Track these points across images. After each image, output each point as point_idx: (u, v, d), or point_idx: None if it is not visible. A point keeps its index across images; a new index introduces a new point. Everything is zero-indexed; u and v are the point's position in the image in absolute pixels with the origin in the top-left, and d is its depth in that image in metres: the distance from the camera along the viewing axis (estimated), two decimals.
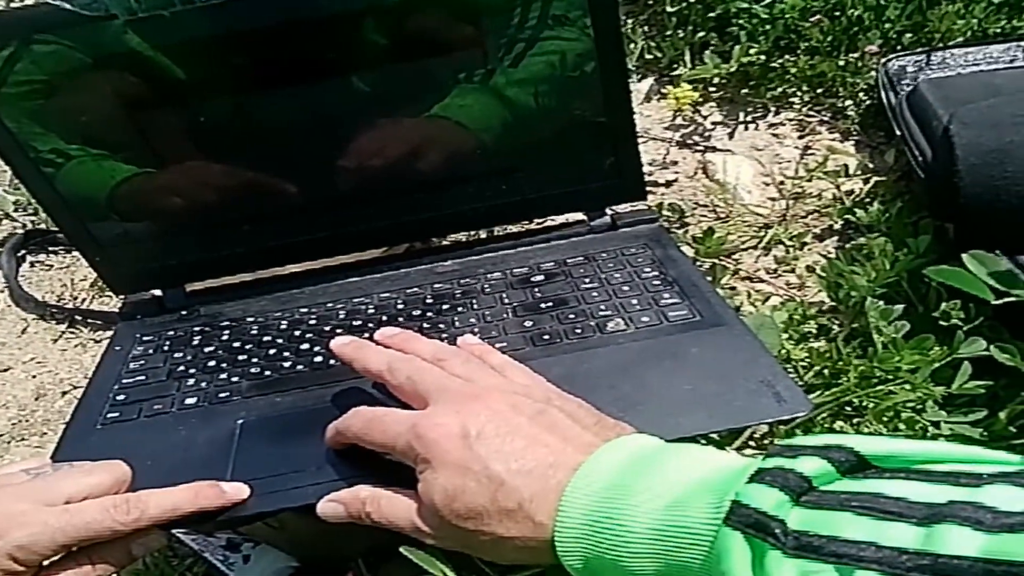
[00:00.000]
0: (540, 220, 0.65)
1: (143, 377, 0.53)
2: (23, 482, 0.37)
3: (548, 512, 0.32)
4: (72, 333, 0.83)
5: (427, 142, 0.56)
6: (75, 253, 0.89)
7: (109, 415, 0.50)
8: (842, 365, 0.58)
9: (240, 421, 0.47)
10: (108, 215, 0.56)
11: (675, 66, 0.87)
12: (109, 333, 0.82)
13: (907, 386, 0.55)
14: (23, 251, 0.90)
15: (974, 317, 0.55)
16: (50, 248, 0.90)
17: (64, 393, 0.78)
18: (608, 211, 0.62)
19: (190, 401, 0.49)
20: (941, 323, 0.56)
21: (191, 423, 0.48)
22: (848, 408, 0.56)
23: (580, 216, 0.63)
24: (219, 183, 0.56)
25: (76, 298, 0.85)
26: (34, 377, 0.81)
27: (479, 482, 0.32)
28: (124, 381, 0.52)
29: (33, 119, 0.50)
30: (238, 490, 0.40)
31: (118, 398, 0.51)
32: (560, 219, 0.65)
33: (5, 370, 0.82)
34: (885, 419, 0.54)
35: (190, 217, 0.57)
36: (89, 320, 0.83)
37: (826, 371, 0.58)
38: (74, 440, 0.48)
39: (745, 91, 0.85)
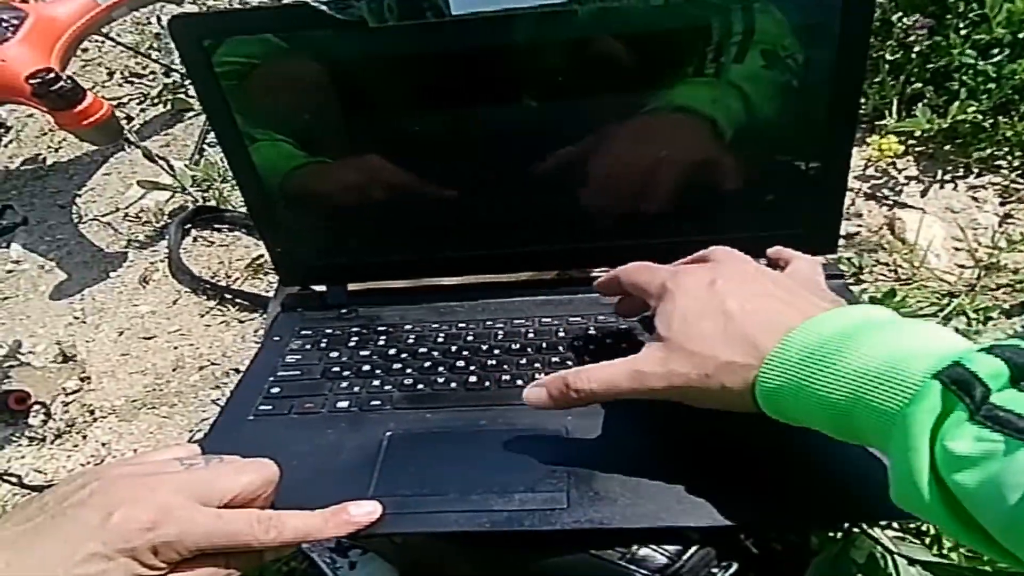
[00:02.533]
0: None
1: (298, 372, 0.52)
2: (178, 472, 0.37)
3: (770, 342, 0.34)
4: (219, 310, 0.84)
5: (624, 173, 0.54)
6: (236, 234, 0.91)
7: (262, 407, 0.49)
8: None
9: (388, 433, 0.46)
10: (293, 205, 0.57)
11: (879, 114, 0.80)
12: (254, 315, 0.82)
13: None
14: (189, 225, 0.93)
15: None
16: (215, 226, 0.93)
17: (201, 368, 0.79)
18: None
19: (342, 404, 0.48)
20: None
21: (340, 427, 0.47)
22: None
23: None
24: (402, 188, 0.55)
25: (229, 277, 0.87)
26: (175, 348, 0.82)
27: (714, 314, 0.36)
28: (280, 374, 0.52)
29: (250, 103, 0.52)
30: (369, 515, 0.39)
31: (272, 390, 0.50)
32: None
33: (150, 338, 0.84)
34: None
35: (366, 218, 0.57)
36: (238, 300, 0.84)
37: None
38: (226, 429, 0.48)
39: (948, 148, 0.78)
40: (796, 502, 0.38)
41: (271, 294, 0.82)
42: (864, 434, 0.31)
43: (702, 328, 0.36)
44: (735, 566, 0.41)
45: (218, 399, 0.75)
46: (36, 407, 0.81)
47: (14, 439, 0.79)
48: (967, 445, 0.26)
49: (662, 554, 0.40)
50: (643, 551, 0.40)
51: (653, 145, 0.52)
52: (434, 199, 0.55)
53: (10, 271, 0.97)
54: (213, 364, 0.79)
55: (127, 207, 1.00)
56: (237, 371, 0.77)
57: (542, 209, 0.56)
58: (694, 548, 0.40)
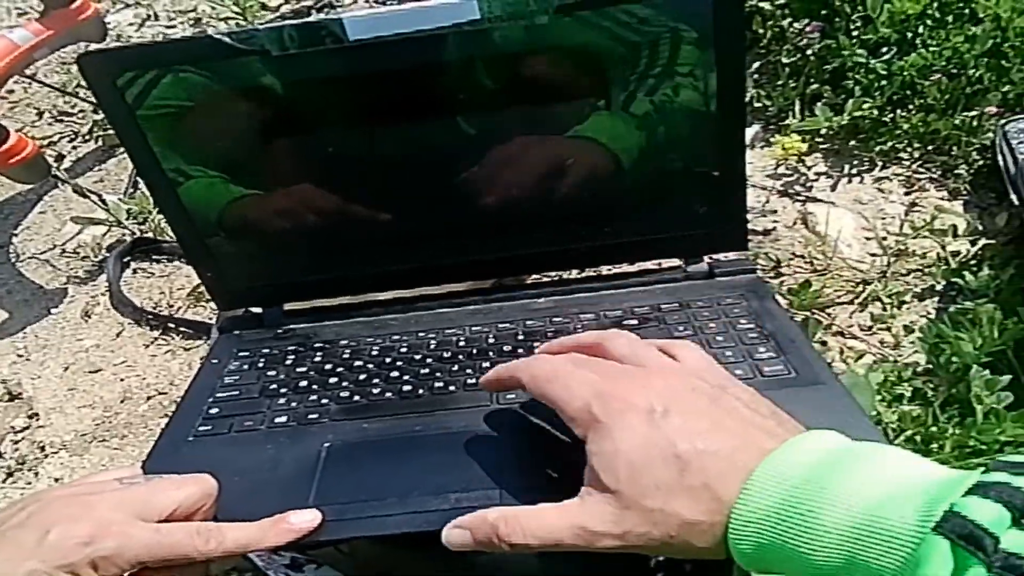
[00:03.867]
0: (636, 263, 0.64)
1: (236, 392, 0.54)
2: (117, 490, 0.38)
3: (732, 491, 0.31)
4: (164, 340, 0.86)
5: (534, 178, 0.56)
6: (176, 263, 0.93)
7: (201, 428, 0.50)
8: (936, 432, 0.54)
9: (327, 444, 0.47)
10: (222, 233, 0.58)
11: (784, 115, 0.86)
12: (199, 343, 0.85)
13: None
14: (128, 257, 0.95)
15: None
16: (154, 257, 0.95)
17: (149, 398, 0.81)
18: (706, 259, 0.60)
19: (280, 420, 0.50)
20: None
21: (279, 442, 0.48)
22: None
23: (676, 262, 0.61)
24: (329, 210, 0.57)
25: (172, 306, 0.89)
26: (122, 380, 0.84)
27: (666, 460, 0.32)
28: (218, 395, 0.54)
29: (169, 138, 0.53)
30: (310, 523, 0.40)
31: (211, 411, 0.52)
32: (654, 263, 0.64)
33: (96, 371, 0.86)
34: None
35: (297, 240, 0.59)
36: (181, 328, 0.86)
37: (918, 437, 0.55)
38: (166, 451, 0.49)
39: (853, 143, 0.83)
40: None
41: (214, 321, 0.85)
42: None
43: (656, 478, 0.32)
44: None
45: None
46: None
47: None
48: None
49: None
50: None
51: (560, 157, 0.55)
52: (359, 217, 0.57)
53: None
54: (161, 394, 0.81)
55: (64, 243, 1.01)
56: None
57: (460, 222, 0.58)
58: None
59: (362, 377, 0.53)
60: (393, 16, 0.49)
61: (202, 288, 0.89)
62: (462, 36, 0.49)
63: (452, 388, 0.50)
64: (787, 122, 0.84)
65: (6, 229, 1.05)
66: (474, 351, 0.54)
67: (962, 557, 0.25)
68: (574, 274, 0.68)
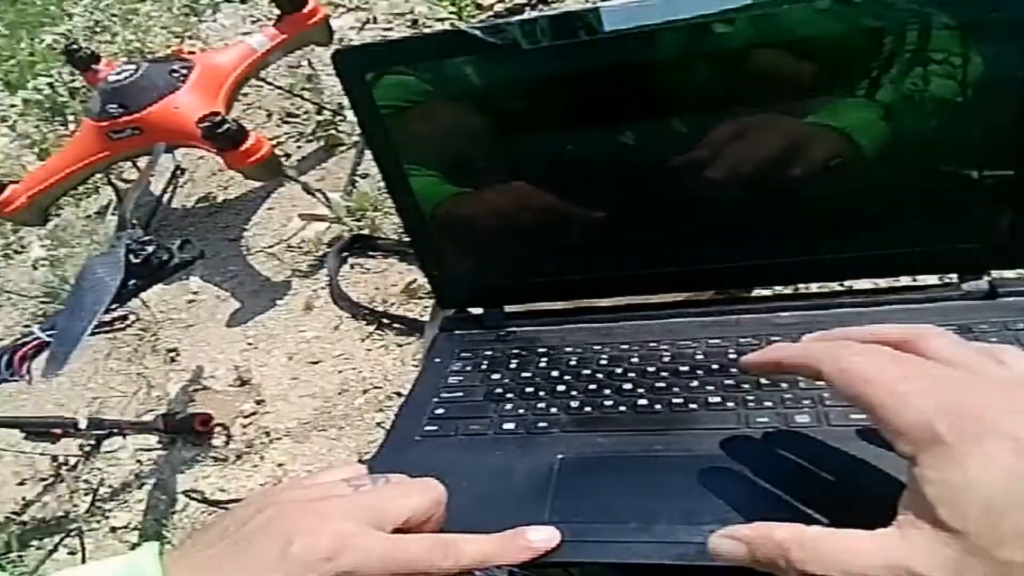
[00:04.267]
0: (896, 277, 0.56)
1: (461, 394, 0.52)
2: (348, 496, 0.37)
3: None
4: (378, 335, 0.87)
5: (785, 187, 0.50)
6: (390, 260, 0.94)
7: (427, 428, 0.49)
8: None
9: (560, 456, 0.44)
10: (449, 231, 0.57)
11: None
12: (412, 339, 0.84)
13: None
14: (347, 253, 0.97)
15: None
16: (370, 253, 0.96)
17: (365, 391, 0.82)
18: (986, 277, 0.50)
19: (508, 426, 0.47)
20: None
21: (509, 449, 0.46)
22: None
23: (951, 278, 0.51)
24: (557, 211, 0.54)
25: (386, 302, 0.90)
26: (340, 372, 0.85)
27: None
28: (443, 395, 0.52)
29: (408, 134, 0.53)
30: (548, 541, 0.37)
31: (437, 411, 0.50)
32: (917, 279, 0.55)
33: (316, 362, 0.88)
34: None
35: (521, 241, 0.57)
36: (395, 324, 0.86)
37: None
38: (394, 450, 0.48)
39: None
40: None
41: (426, 318, 0.84)
42: None
43: (1017, 527, 0.26)
44: None
45: (383, 422, 0.77)
46: (218, 429, 0.87)
47: (199, 459, 0.85)
48: None
49: None
50: None
51: (814, 158, 0.48)
52: (588, 219, 0.54)
53: (190, 301, 1.05)
54: (376, 388, 0.81)
55: (289, 238, 1.06)
56: (399, 394, 0.79)
57: (697, 226, 0.53)
58: None
59: (592, 387, 0.49)
60: (651, 5, 0.45)
61: (414, 285, 0.88)
62: (721, 25, 0.44)
63: (693, 406, 0.45)
64: None
65: (238, 224, 1.12)
66: (714, 366, 0.48)
67: None
68: (821, 287, 0.59)
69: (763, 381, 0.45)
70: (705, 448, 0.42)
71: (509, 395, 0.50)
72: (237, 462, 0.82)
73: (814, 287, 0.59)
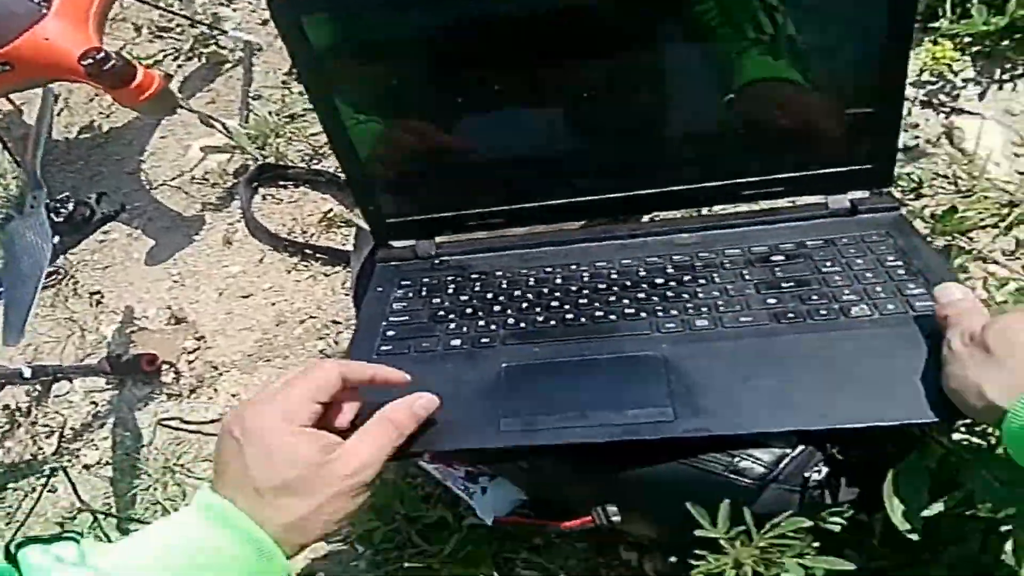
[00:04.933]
0: (781, 199, 0.63)
1: (407, 318, 0.59)
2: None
3: None
4: (303, 266, 0.93)
5: (682, 113, 0.57)
6: (303, 189, 0.98)
7: (383, 348, 0.56)
8: None
9: (504, 365, 0.53)
10: (382, 167, 0.62)
11: (933, 15, 0.78)
12: (338, 269, 0.91)
13: None
14: (256, 183, 1.00)
15: None
16: (280, 182, 0.99)
17: (301, 321, 0.89)
18: (848, 196, 0.60)
19: (455, 343, 0.55)
20: None
21: (458, 362, 0.54)
22: None
23: (816, 199, 0.61)
24: (486, 144, 0.60)
25: (305, 232, 0.95)
26: (273, 305, 0.92)
27: None
28: (391, 319, 0.59)
29: (340, 75, 0.57)
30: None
31: (388, 334, 0.57)
32: (790, 201, 0.64)
33: (247, 296, 0.94)
34: None
35: (452, 175, 0.62)
36: (319, 255, 0.92)
37: None
38: None
39: (1006, 44, 0.76)
40: (885, 402, 0.44)
41: (348, 247, 0.90)
42: None
43: None
44: (826, 470, 0.48)
45: (324, 349, 0.86)
46: (165, 367, 0.93)
47: (154, 396, 0.92)
48: None
49: (760, 464, 0.47)
50: (743, 463, 0.47)
51: (710, 93, 0.56)
52: (514, 152, 0.60)
53: (102, 241, 1.06)
54: (312, 318, 0.89)
55: (191, 169, 1.06)
56: (336, 323, 0.87)
57: (614, 158, 0.60)
58: (788, 457, 0.47)
59: (524, 306, 0.58)
60: None
61: (331, 214, 0.94)
62: None
63: (612, 317, 0.55)
64: (937, 24, 0.77)
65: (132, 155, 1.10)
66: (627, 283, 0.58)
67: None
68: (715, 211, 0.68)
69: (668, 294, 0.56)
70: (625, 350, 0.52)
71: (452, 316, 0.58)
72: (192, 396, 0.90)
73: (707, 211, 0.67)
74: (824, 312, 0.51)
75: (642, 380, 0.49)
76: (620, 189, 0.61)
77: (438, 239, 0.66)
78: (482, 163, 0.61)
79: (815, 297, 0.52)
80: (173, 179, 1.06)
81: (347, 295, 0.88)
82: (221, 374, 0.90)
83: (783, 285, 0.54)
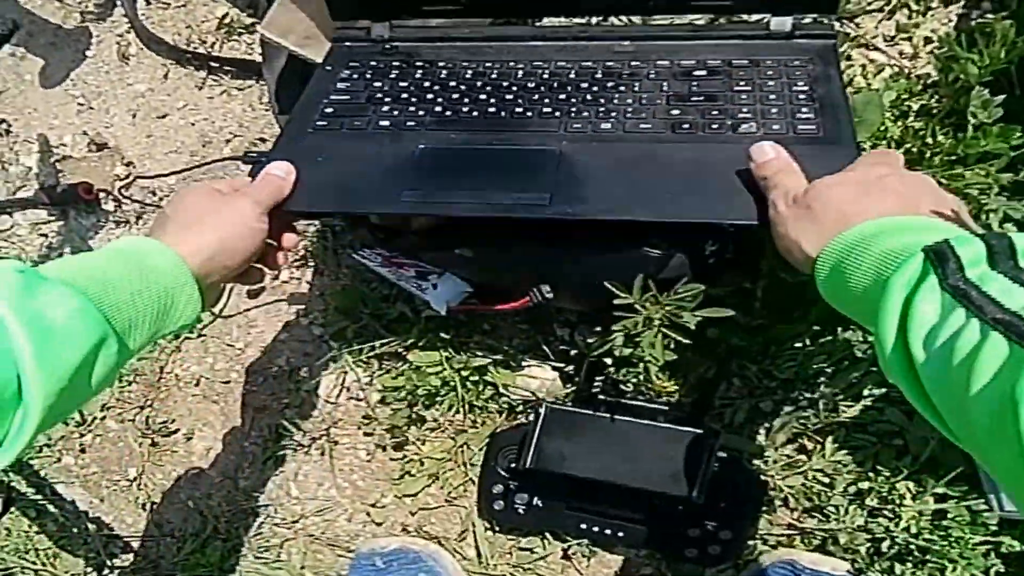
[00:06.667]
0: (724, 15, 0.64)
1: (347, 97, 0.63)
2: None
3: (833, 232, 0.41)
4: (213, 80, 0.91)
5: None
6: None
7: (318, 123, 0.61)
8: (931, 144, 0.64)
9: (420, 147, 0.58)
10: None
11: None
12: (251, 83, 0.90)
13: (980, 171, 0.62)
14: None
15: None
16: None
17: (228, 141, 0.90)
18: (791, 18, 0.61)
19: (383, 123, 0.60)
20: None
21: (382, 141, 0.59)
22: None
23: (760, 17, 0.62)
24: None
25: (204, 42, 0.91)
26: (193, 124, 0.92)
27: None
28: (332, 97, 0.63)
29: None
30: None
31: (326, 111, 0.62)
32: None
33: (163, 116, 0.93)
34: None
35: None
36: (226, 68, 0.90)
37: (915, 149, 0.65)
38: (289, 139, 0.60)
39: None
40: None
41: (254, 58, 0.88)
42: (874, 314, 0.34)
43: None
44: (717, 244, 0.57)
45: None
46: (102, 195, 0.95)
47: (103, 224, 0.96)
48: (933, 309, 0.29)
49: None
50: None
51: None
52: None
53: None
54: (237, 136, 0.90)
55: None
56: (262, 139, 0.89)
57: None
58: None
59: (455, 96, 0.62)
60: None
61: (228, 20, 0.89)
62: None
63: (529, 114, 0.59)
64: None
65: None
66: (555, 84, 0.61)
67: (926, 268, 0.31)
68: (661, 22, 0.68)
69: (587, 97, 0.59)
70: (530, 145, 0.57)
71: (387, 99, 0.62)
72: (139, 222, 0.94)
73: (655, 22, 0.68)
74: (716, 126, 0.55)
75: (532, 170, 0.55)
76: None
77: (394, 22, 0.67)
78: None
79: (715, 112, 0.56)
80: None
81: (267, 111, 0.88)
82: (161, 198, 0.93)
83: (692, 99, 0.57)
